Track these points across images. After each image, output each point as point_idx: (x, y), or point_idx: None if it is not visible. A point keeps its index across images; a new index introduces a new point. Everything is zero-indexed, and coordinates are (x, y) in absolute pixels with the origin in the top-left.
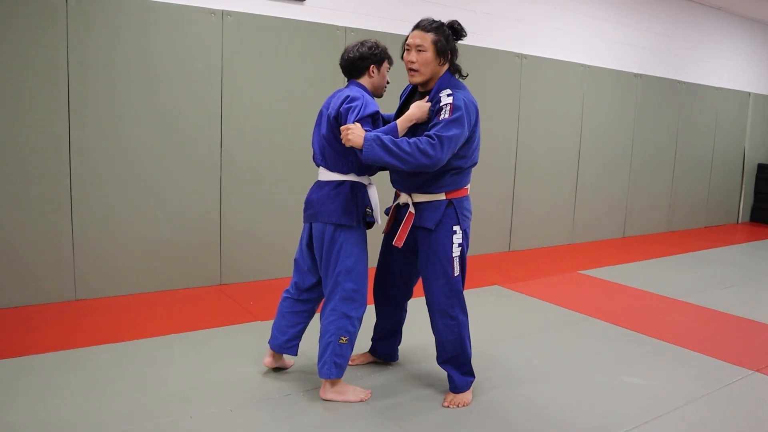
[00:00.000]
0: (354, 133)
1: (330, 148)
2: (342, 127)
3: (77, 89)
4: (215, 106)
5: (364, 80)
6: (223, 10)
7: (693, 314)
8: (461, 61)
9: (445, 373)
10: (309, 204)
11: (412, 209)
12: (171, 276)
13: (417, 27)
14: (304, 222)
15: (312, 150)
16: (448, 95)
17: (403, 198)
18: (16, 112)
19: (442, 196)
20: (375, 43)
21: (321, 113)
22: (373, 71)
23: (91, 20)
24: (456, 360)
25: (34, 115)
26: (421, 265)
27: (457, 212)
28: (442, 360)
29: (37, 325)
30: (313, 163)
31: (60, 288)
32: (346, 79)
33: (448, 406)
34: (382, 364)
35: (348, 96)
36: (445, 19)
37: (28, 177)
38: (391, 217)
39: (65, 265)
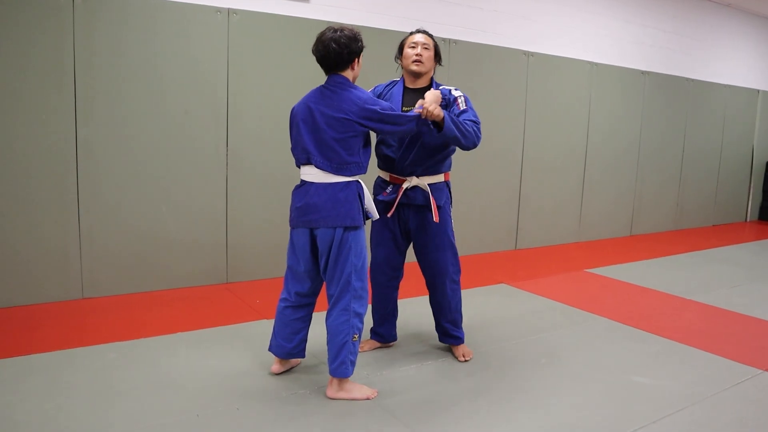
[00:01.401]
0: (438, 108)
1: (343, 151)
2: (422, 104)
3: (83, 88)
4: (221, 104)
5: (347, 73)
6: (228, 9)
7: (701, 313)
8: (467, 59)
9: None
10: (312, 208)
11: (427, 189)
12: (177, 274)
13: (419, 32)
14: (303, 227)
15: (305, 151)
16: (455, 90)
17: (414, 181)
18: (22, 111)
19: (442, 177)
20: (353, 32)
21: (313, 114)
22: (356, 63)
23: (96, 19)
24: (457, 319)
25: (41, 114)
26: (427, 240)
27: (450, 192)
28: (446, 320)
29: (44, 323)
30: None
31: (67, 286)
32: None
33: (465, 359)
34: (387, 364)
35: (366, 104)
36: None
37: (35, 176)
38: (396, 201)
39: (72, 263)
